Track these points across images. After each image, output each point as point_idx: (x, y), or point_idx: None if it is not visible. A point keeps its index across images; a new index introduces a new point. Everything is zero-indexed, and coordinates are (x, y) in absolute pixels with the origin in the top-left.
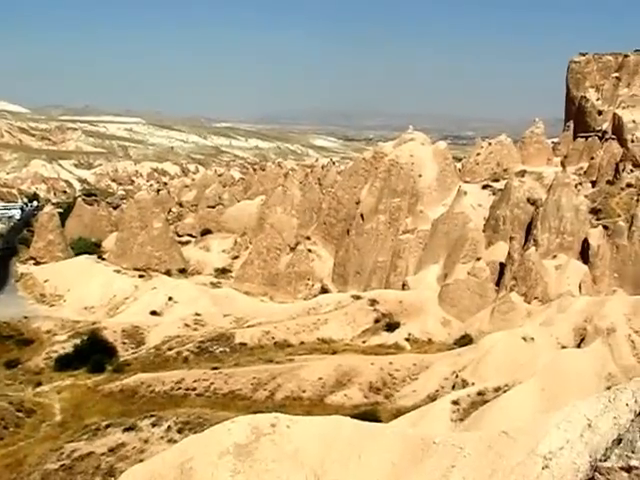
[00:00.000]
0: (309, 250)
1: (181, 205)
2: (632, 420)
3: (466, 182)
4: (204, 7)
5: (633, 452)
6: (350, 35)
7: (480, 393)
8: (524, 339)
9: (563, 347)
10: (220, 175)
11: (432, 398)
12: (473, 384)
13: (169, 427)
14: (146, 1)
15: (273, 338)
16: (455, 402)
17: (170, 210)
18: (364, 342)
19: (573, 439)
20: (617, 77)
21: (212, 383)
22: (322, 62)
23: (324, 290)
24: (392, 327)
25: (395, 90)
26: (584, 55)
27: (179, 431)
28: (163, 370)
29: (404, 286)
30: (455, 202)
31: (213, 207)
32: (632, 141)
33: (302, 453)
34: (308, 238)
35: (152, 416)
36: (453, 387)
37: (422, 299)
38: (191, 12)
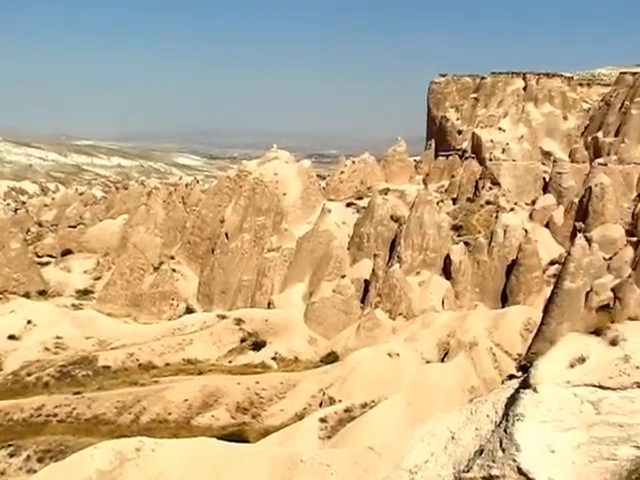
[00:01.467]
0: (173, 270)
1: (40, 225)
2: (492, 431)
3: (330, 200)
4: (66, 21)
5: (494, 462)
6: (215, 53)
7: (347, 410)
8: (389, 355)
9: (427, 362)
10: (81, 194)
11: (300, 416)
12: (340, 401)
13: (28, 456)
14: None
15: (137, 360)
16: (322, 420)
17: (29, 230)
18: (230, 362)
19: (437, 452)
20: (475, 98)
21: (74, 408)
22: (185, 80)
23: (189, 310)
24: (258, 346)
25: (260, 108)
26: (444, 76)
27: (39, 460)
28: (22, 397)
29: (270, 305)
30: (319, 220)
31: (74, 227)
32: (490, 159)
33: (167, 476)
34: (172, 257)
35: (10, 446)
36: (320, 405)
37: (288, 318)
38: (50, 25)
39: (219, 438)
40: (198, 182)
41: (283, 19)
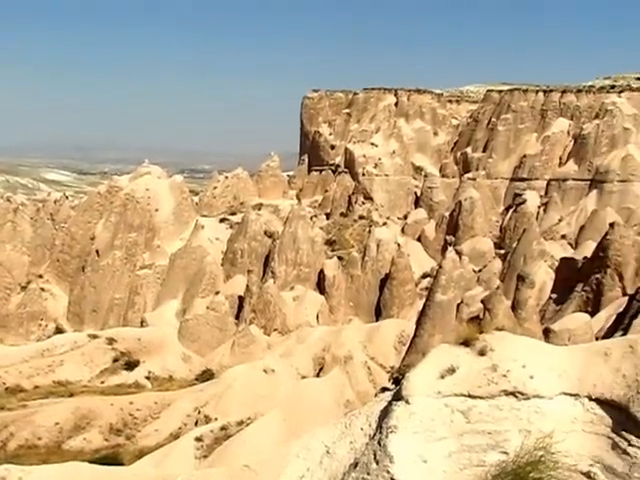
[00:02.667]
0: (42, 289)
1: None
2: (367, 443)
3: (204, 216)
4: None
5: (368, 474)
6: (83, 64)
7: (223, 428)
8: (265, 371)
9: (303, 377)
10: None
11: (175, 436)
12: (216, 419)
13: None
14: None
15: (4, 383)
16: (198, 439)
17: None
18: (103, 382)
19: (313, 467)
20: (348, 113)
21: None
22: (54, 91)
23: (59, 330)
24: (131, 366)
25: (131, 123)
26: (317, 92)
27: None
28: None
29: (142, 323)
30: (192, 236)
31: None
32: (363, 174)
33: None
34: (40, 276)
35: None
36: (196, 423)
37: (161, 336)
38: None
39: (92, 462)
40: (67, 198)
41: (155, 25)
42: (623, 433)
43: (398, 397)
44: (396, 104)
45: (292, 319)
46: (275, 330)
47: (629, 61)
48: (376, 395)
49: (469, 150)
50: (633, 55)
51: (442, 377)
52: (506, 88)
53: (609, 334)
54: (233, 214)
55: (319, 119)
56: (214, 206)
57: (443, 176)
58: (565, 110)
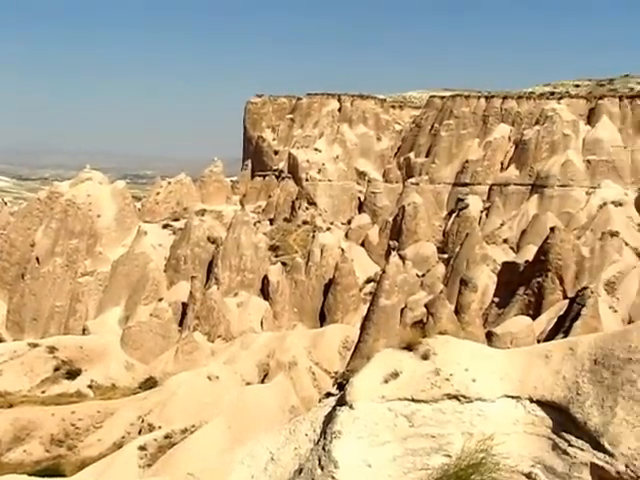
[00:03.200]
0: None
1: None
2: (311, 449)
3: (146, 222)
4: None
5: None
6: (19, 66)
7: (167, 436)
8: (209, 378)
9: (248, 383)
10: None
11: (118, 445)
12: (160, 427)
13: None
14: None
15: None
16: (142, 448)
17: None
18: (44, 392)
19: (257, 474)
20: (291, 118)
21: None
22: None
23: None
24: (73, 374)
25: (72, 127)
26: (260, 97)
27: None
28: None
29: (84, 331)
30: (135, 242)
31: None
32: (306, 180)
33: None
34: None
35: None
36: (140, 432)
37: (104, 343)
38: None
39: (32, 474)
40: (6, 204)
41: (97, 28)
42: (563, 434)
43: (342, 402)
44: (339, 109)
45: (236, 325)
46: (219, 337)
47: (568, 68)
48: (320, 401)
49: (412, 155)
50: (571, 62)
51: (386, 382)
52: (448, 94)
53: (550, 337)
54: (176, 220)
55: (262, 124)
56: (157, 212)
57: (386, 181)
58: (506, 116)
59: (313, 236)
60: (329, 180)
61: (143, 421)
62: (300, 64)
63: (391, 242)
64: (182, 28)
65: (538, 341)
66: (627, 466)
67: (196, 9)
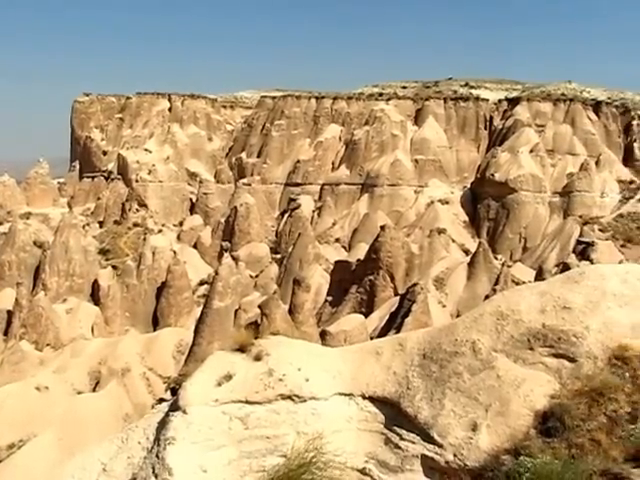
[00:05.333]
0: None
1: None
2: (145, 457)
3: None
4: None
5: None
6: None
7: None
8: (38, 389)
9: (79, 393)
10: None
11: None
12: None
13: None
14: None
15: None
16: None
17: None
18: None
19: None
20: (121, 118)
21: None
22: None
23: None
24: None
25: None
26: (88, 95)
27: None
28: None
29: None
30: None
31: None
32: (137, 181)
33: None
34: None
35: None
36: None
37: None
38: None
39: None
40: None
41: None
42: (395, 428)
43: (175, 407)
44: (170, 109)
45: (65, 332)
46: (48, 345)
47: (395, 70)
48: (153, 407)
49: (244, 156)
50: (398, 65)
51: (219, 385)
52: (280, 94)
53: (383, 333)
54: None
55: (90, 124)
56: None
57: (218, 182)
58: (337, 116)
59: (144, 239)
60: (160, 181)
61: None
62: (129, 62)
63: (224, 243)
64: (2, 24)
65: (371, 338)
66: (455, 455)
67: (18, 5)
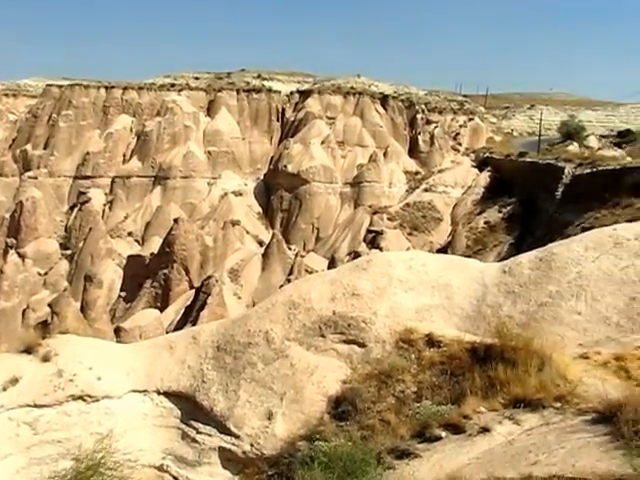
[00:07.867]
0: None
1: None
2: None
3: None
4: None
5: None
6: None
7: None
8: None
9: None
10: None
11: None
12: None
13: None
14: None
15: None
16: None
17: None
18: None
19: None
20: None
21: None
22: None
23: None
24: None
25: None
26: None
27: None
28: None
29: None
30: None
31: None
32: None
33: None
34: None
35: None
36: None
37: None
38: None
39: None
40: None
41: None
42: (192, 422)
43: None
44: None
45: None
46: None
47: (187, 60)
48: None
49: (29, 147)
50: (190, 55)
51: (4, 389)
52: (67, 83)
53: (179, 327)
54: None
55: None
56: None
57: (1, 175)
58: (127, 107)
59: None
60: None
61: None
62: None
63: (9, 240)
64: None
65: (167, 332)
66: (252, 445)
67: None
